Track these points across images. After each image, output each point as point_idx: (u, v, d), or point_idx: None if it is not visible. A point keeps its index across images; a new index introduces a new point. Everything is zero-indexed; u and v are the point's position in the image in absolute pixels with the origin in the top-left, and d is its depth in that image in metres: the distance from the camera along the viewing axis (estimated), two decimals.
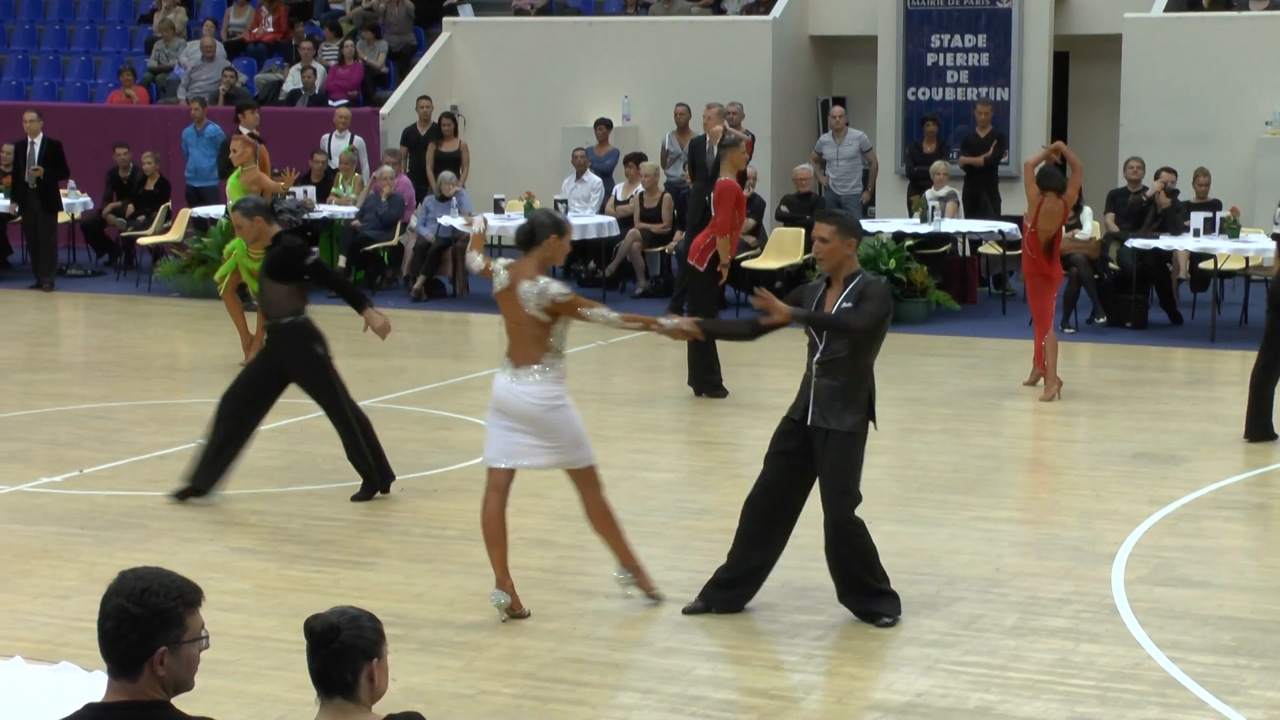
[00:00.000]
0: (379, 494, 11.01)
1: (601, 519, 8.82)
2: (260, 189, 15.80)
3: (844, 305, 8.29)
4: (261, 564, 9.61)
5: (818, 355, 8.32)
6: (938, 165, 20.42)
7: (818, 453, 8.33)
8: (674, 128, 22.18)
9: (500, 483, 8.66)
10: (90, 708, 4.21)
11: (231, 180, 16.09)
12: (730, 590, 8.67)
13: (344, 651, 4.35)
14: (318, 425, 13.33)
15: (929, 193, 19.97)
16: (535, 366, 8.49)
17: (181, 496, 10.85)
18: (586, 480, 8.74)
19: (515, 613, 8.61)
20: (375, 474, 11.02)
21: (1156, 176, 18.83)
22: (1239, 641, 8.28)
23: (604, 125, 22.78)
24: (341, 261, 20.58)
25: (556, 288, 8.47)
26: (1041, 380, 14.59)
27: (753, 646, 8.27)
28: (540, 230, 8.56)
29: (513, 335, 8.60)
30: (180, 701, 4.25)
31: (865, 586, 8.51)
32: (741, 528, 8.62)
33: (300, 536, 10.16)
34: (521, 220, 19.93)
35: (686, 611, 8.66)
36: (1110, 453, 12.44)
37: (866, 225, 19.94)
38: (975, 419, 13.74)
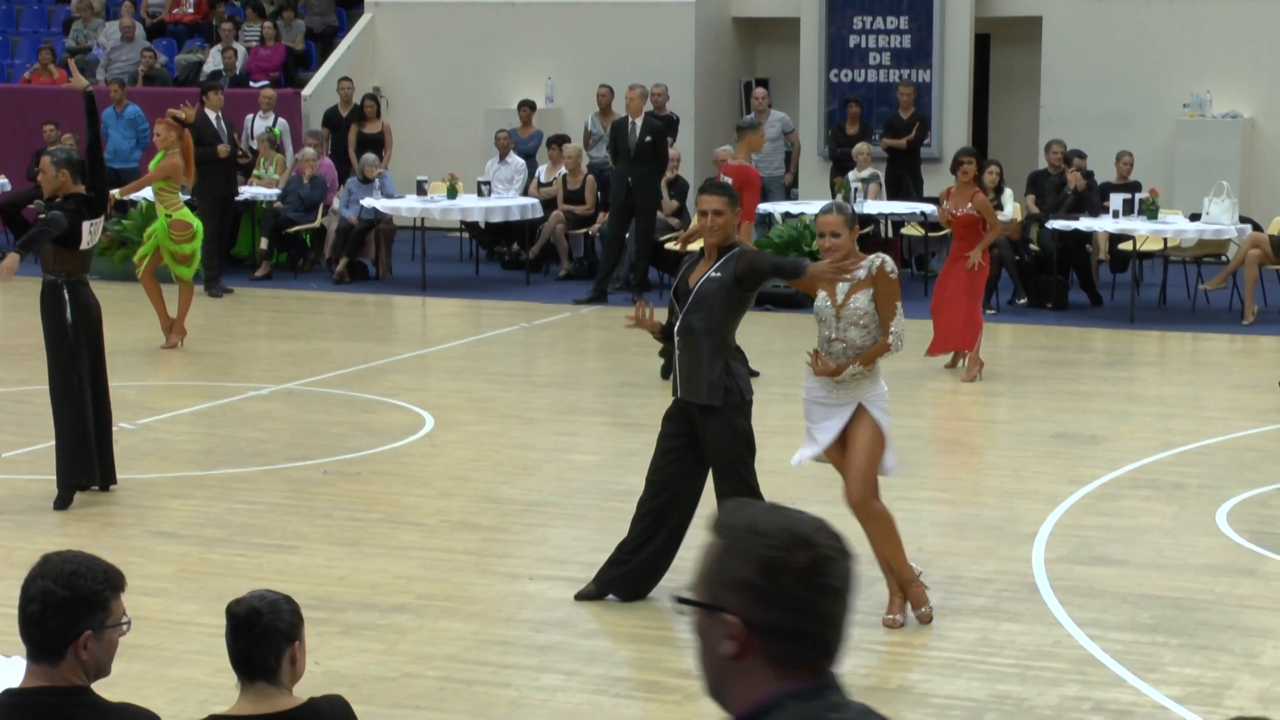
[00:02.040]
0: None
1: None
2: (178, 174, 15.64)
3: (713, 275, 8.29)
4: (183, 548, 9.56)
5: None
6: (860, 147, 20.50)
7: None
8: (597, 109, 22.15)
9: None
10: (8, 693, 4.18)
11: (153, 164, 15.96)
12: (633, 575, 8.64)
13: (267, 635, 4.34)
14: (239, 408, 13.27)
15: (851, 174, 20.04)
16: None
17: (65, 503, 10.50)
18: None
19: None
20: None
21: (1069, 162, 18.95)
22: (1157, 619, 8.37)
23: (527, 107, 22.73)
24: (263, 243, 20.46)
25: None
26: (963, 362, 14.69)
27: (676, 628, 8.29)
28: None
29: None
30: (100, 687, 4.22)
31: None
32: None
33: (222, 520, 10.11)
34: (447, 201, 19.88)
35: (579, 597, 8.61)
36: (1031, 433, 12.53)
37: (789, 207, 20.02)
38: (897, 400, 13.73)
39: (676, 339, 8.30)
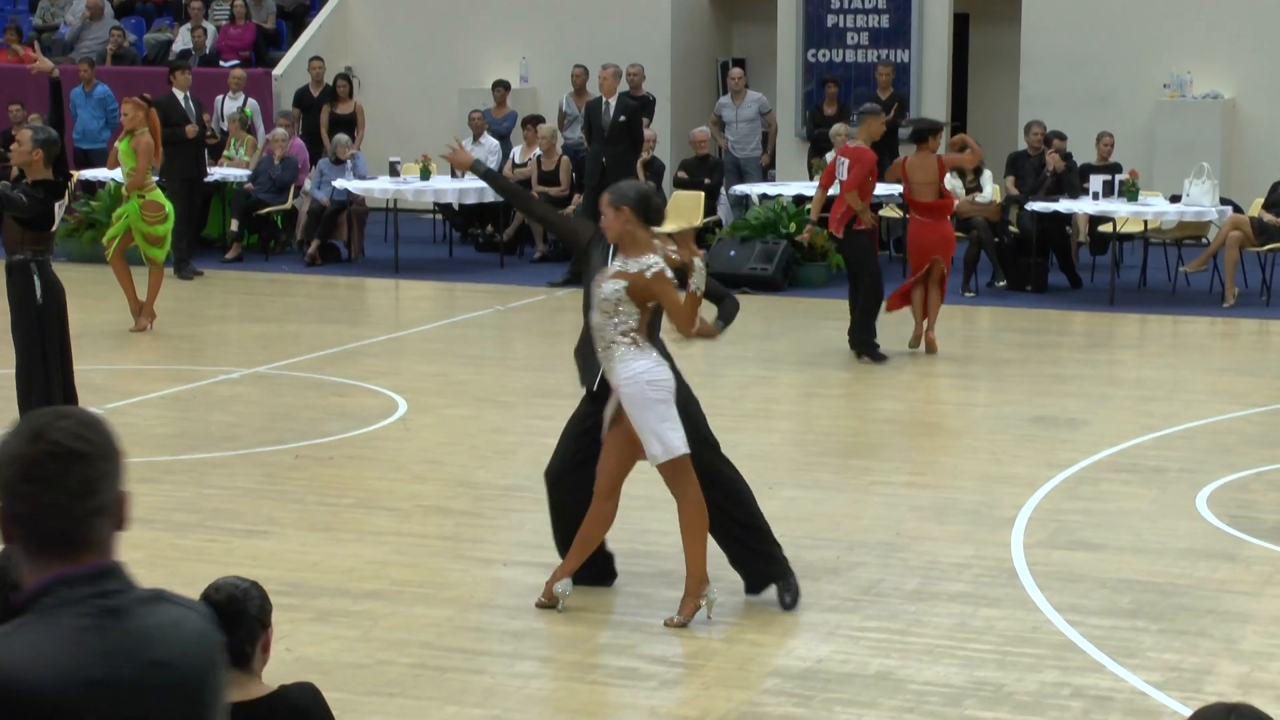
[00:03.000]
0: None
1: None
2: (152, 154, 15.60)
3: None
4: (153, 533, 9.54)
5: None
6: (838, 127, 20.41)
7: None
8: (572, 90, 22.13)
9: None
10: None
11: (122, 145, 15.89)
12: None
13: (243, 622, 4.34)
14: (209, 392, 13.25)
15: (829, 155, 20.02)
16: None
17: None
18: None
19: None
20: None
21: (1049, 144, 18.97)
22: (1137, 604, 8.39)
23: (501, 87, 22.70)
24: (234, 225, 20.41)
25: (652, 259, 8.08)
26: (922, 341, 14.79)
27: (652, 614, 8.29)
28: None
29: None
30: None
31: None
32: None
33: (192, 505, 10.09)
34: (420, 181, 19.82)
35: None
36: (1010, 416, 12.55)
37: (766, 189, 20.02)
38: (875, 383, 13.82)
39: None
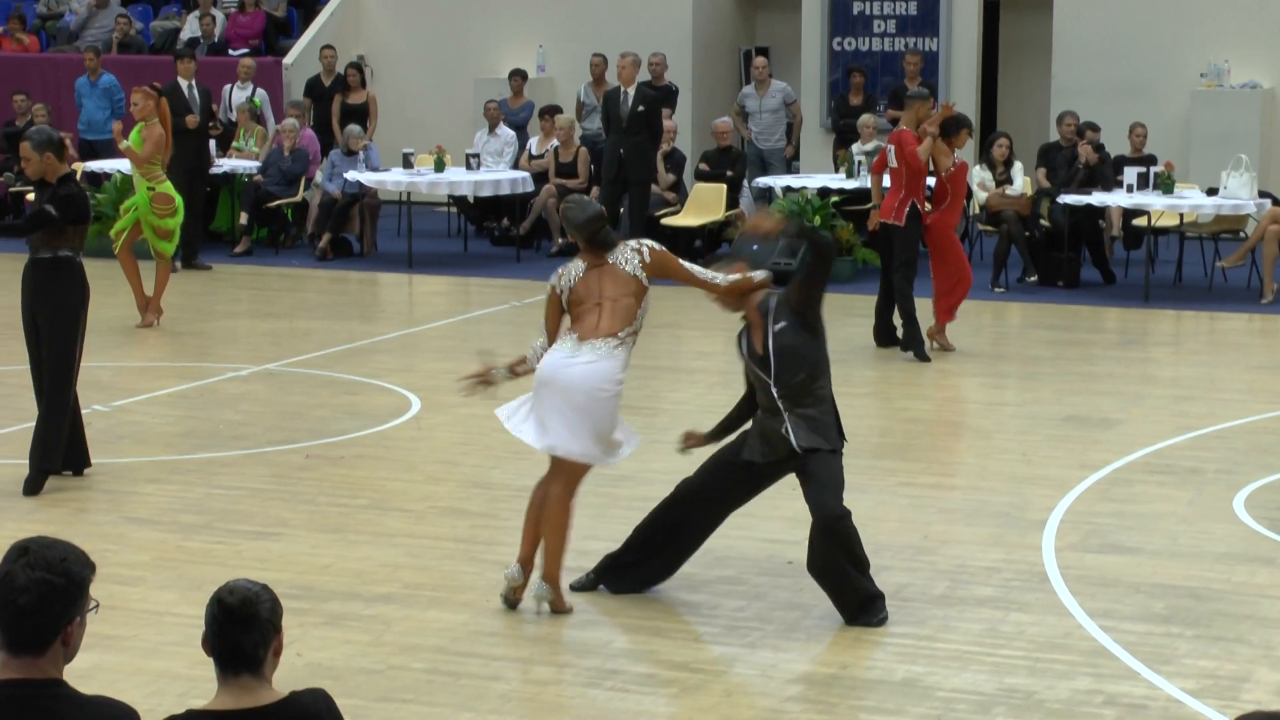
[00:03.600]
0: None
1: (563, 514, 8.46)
2: (162, 145, 15.62)
3: (780, 326, 8.30)
4: (160, 535, 9.56)
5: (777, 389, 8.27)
6: (865, 118, 20.47)
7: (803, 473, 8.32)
8: (590, 79, 22.13)
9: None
10: None
11: (133, 136, 15.92)
12: (630, 574, 8.66)
13: (255, 625, 4.34)
14: (218, 390, 13.27)
15: (855, 147, 20.02)
16: (608, 340, 8.18)
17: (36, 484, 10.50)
18: (576, 472, 8.42)
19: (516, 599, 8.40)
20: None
21: (1082, 135, 18.93)
22: (1171, 610, 8.38)
23: (518, 76, 22.71)
24: (243, 218, 20.44)
25: (650, 241, 8.44)
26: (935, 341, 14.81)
27: (672, 618, 8.30)
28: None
29: (591, 314, 8.26)
30: (75, 680, 4.23)
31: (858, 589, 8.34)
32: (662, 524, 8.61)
33: (200, 506, 10.11)
34: (433, 174, 19.86)
35: (574, 587, 8.61)
36: (1041, 416, 12.54)
37: (790, 181, 20.01)
38: (902, 382, 13.82)
39: (781, 399, 8.23)
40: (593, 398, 8.10)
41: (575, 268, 8.39)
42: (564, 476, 8.38)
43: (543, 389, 8.27)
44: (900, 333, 14.71)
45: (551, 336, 8.47)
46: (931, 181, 14.80)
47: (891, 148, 14.60)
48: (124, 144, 15.94)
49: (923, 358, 14.40)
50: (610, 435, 8.26)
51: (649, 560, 8.57)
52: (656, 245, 8.43)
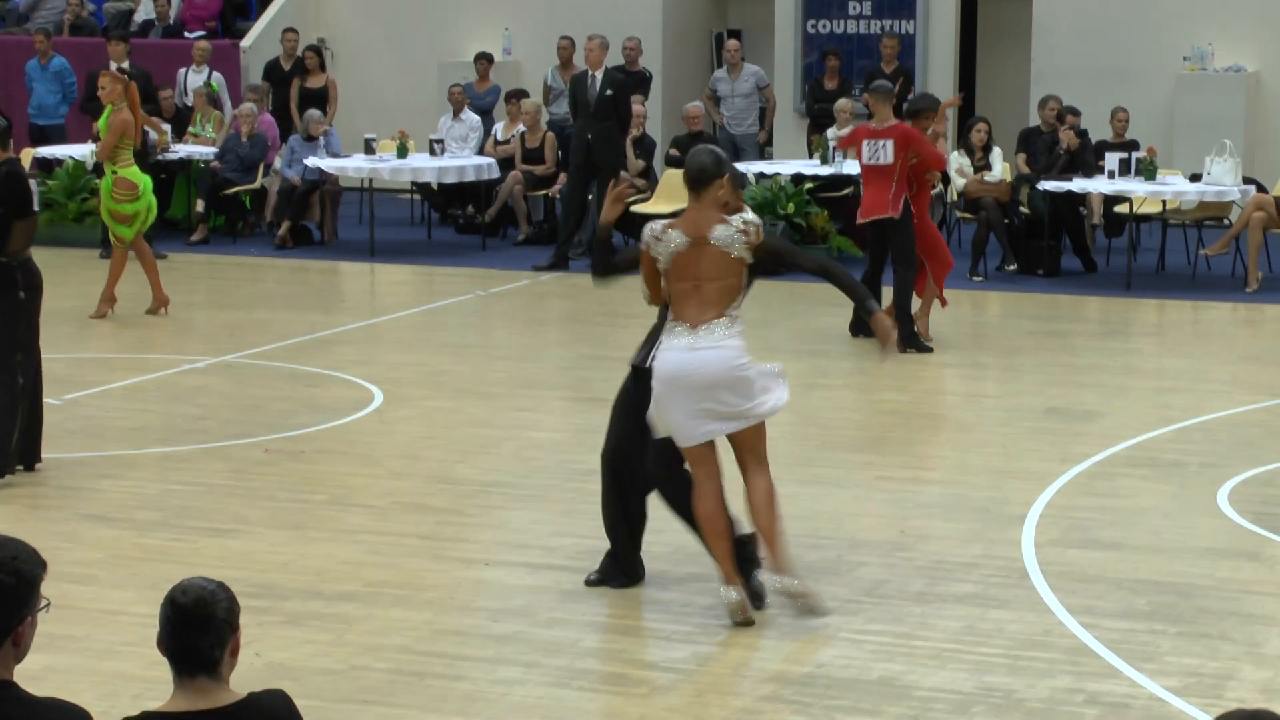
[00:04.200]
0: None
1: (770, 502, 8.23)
2: (130, 130, 15.55)
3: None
4: (114, 532, 9.54)
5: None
6: (841, 103, 20.46)
7: None
8: (557, 62, 22.11)
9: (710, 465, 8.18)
10: None
11: (101, 121, 15.89)
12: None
13: (212, 625, 4.33)
14: (174, 382, 13.25)
15: (830, 132, 20.02)
16: (723, 319, 8.00)
17: None
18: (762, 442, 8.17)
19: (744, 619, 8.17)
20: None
21: (1062, 120, 18.97)
22: (1154, 606, 8.41)
23: (484, 60, 22.68)
24: (200, 206, 20.38)
25: (753, 215, 8.10)
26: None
27: (643, 616, 8.30)
28: (714, 169, 8.05)
29: (693, 296, 7.99)
30: (27, 682, 4.22)
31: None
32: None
33: (156, 502, 10.09)
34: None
35: (589, 582, 8.64)
36: (1021, 408, 12.57)
37: (764, 168, 20.02)
38: (880, 374, 13.83)
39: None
40: (734, 374, 7.96)
41: (675, 238, 8.02)
42: (756, 459, 8.13)
43: (677, 387, 7.96)
44: (899, 332, 14.56)
45: (655, 295, 8.18)
46: None
47: (890, 143, 14.43)
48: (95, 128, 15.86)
49: (925, 348, 14.41)
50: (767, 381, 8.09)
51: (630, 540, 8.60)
52: (759, 221, 8.10)
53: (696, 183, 8.06)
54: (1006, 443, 11.58)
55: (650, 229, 8.09)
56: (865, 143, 14.60)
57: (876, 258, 14.85)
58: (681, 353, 7.95)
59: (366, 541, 9.37)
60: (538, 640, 7.98)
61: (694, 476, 8.13)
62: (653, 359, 8.11)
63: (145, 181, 15.78)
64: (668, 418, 8.03)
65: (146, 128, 16.44)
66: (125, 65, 17.31)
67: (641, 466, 8.42)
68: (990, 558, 9.13)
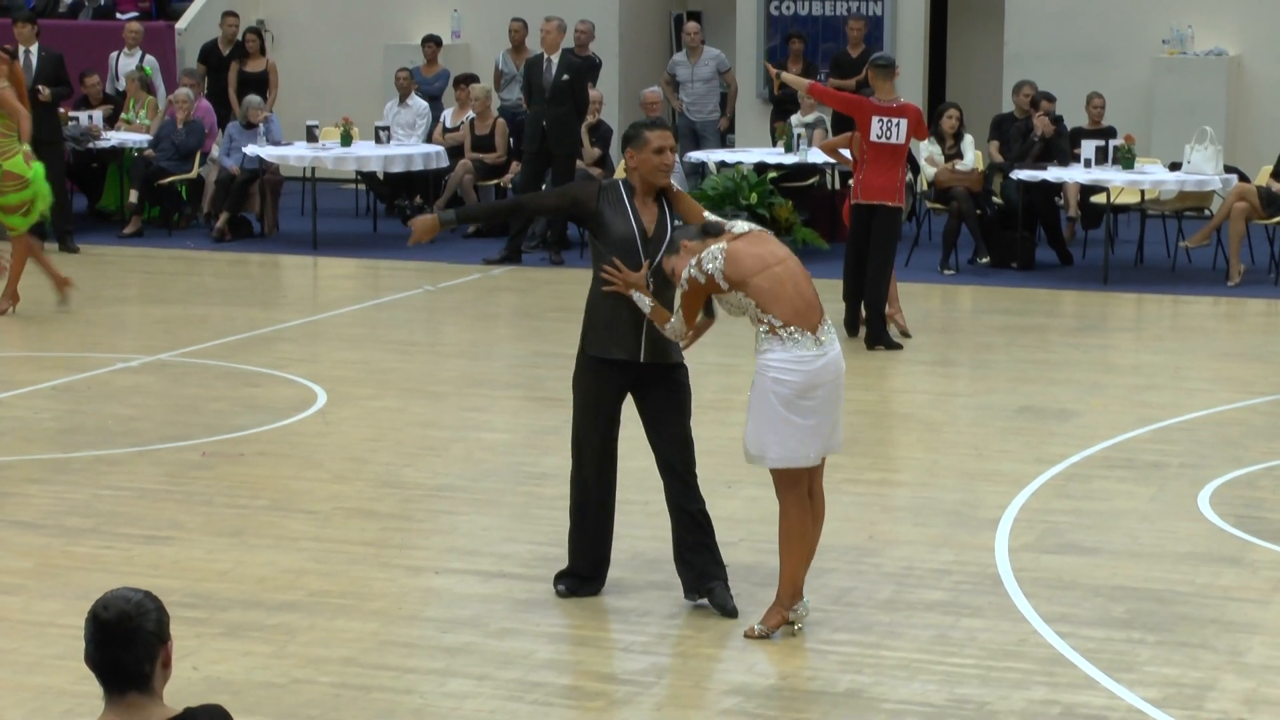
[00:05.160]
0: None
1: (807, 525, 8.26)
2: (11, 111, 15.40)
3: (676, 223, 8.37)
4: (43, 539, 9.50)
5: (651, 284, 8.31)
6: None
7: (649, 394, 8.39)
8: (509, 46, 22.10)
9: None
10: None
11: None
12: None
13: (138, 639, 4.31)
14: (106, 382, 13.19)
15: (794, 119, 20.07)
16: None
17: None
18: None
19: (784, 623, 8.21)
20: None
21: (1036, 106, 19.01)
22: (1133, 614, 8.44)
23: (432, 43, 22.65)
24: (133, 196, 20.31)
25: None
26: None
27: (599, 626, 8.30)
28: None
29: (804, 291, 8.10)
30: None
31: (718, 561, 8.50)
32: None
33: (87, 508, 10.05)
34: (340, 148, 19.77)
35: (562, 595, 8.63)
36: (993, 407, 12.60)
37: (725, 155, 20.04)
38: (846, 371, 13.82)
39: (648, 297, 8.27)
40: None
41: (716, 254, 8.01)
42: (818, 473, 8.27)
43: (823, 393, 8.07)
44: (868, 329, 14.52)
45: (691, 325, 8.23)
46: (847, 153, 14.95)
47: (904, 121, 14.34)
48: None
49: (896, 345, 14.41)
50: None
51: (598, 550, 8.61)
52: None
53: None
54: (978, 443, 11.61)
55: (690, 263, 8.04)
56: (875, 119, 14.37)
57: (862, 247, 14.61)
58: (827, 362, 8.12)
59: (309, 549, 9.35)
60: (490, 652, 7.97)
61: (800, 496, 8.14)
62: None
63: (35, 169, 15.57)
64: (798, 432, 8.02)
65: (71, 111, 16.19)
66: (33, 48, 17.10)
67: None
68: (962, 564, 9.15)
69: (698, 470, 8.47)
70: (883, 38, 22.49)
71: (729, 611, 8.30)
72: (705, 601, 8.39)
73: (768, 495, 10.17)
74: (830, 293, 16.37)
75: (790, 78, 15.88)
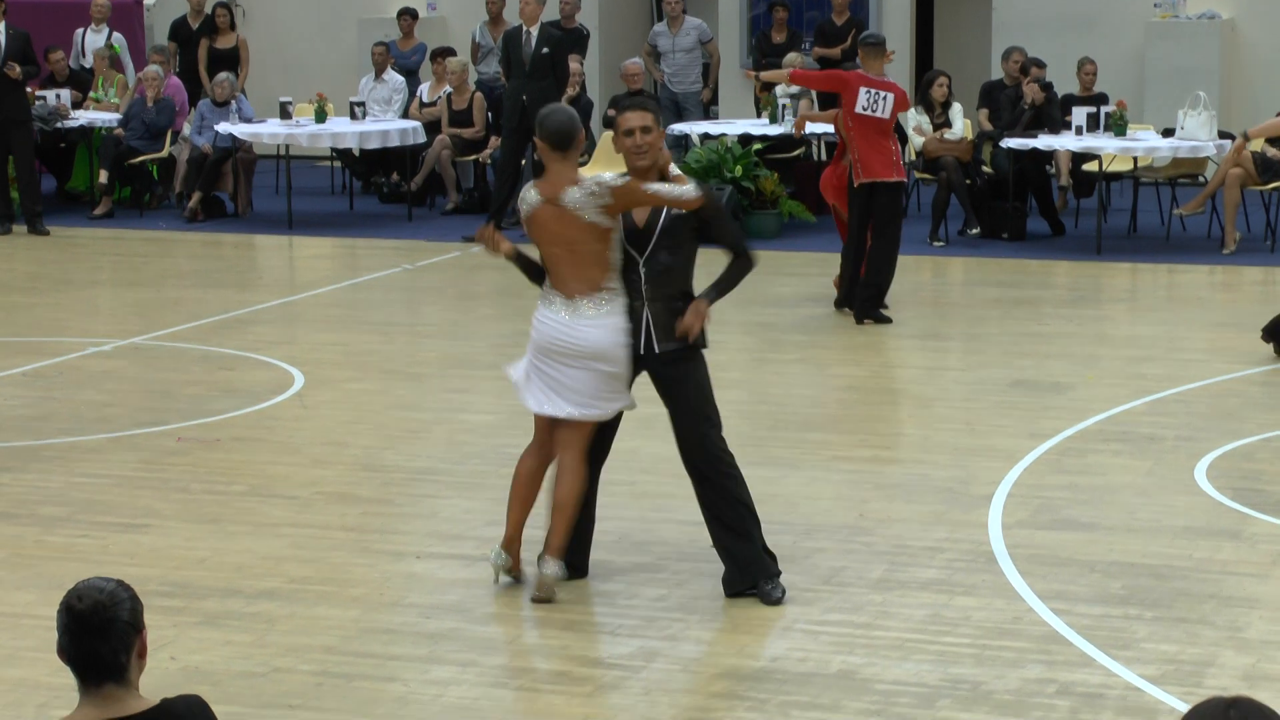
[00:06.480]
0: None
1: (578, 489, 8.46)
2: None
3: (672, 212, 8.32)
4: (16, 529, 9.50)
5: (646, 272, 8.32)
6: (790, 58, 20.48)
7: (664, 381, 8.36)
8: (486, 18, 22.07)
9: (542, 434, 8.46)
10: None
11: None
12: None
13: (112, 630, 4.31)
14: (78, 367, 13.18)
15: (779, 90, 20.06)
16: (600, 294, 8.19)
17: None
18: (585, 434, 8.41)
19: (514, 574, 8.53)
20: None
21: (1026, 72, 19.01)
22: (1130, 590, 8.46)
23: (408, 16, 22.62)
24: (103, 177, 20.27)
25: (610, 175, 8.20)
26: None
27: (585, 610, 8.31)
28: (574, 129, 8.19)
29: (563, 262, 8.22)
30: None
31: (754, 542, 8.47)
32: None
33: (61, 496, 10.05)
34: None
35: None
36: (986, 381, 12.62)
37: (708, 128, 20.03)
38: (835, 346, 13.87)
39: (646, 284, 8.27)
40: (608, 358, 8.19)
41: (531, 198, 8.31)
42: (574, 442, 8.36)
43: (547, 355, 8.27)
44: (858, 301, 14.49)
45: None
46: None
47: (891, 96, 14.33)
48: None
49: (886, 320, 14.41)
50: (620, 385, 8.32)
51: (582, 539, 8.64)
52: (618, 181, 8.16)
53: (556, 143, 8.21)
54: (971, 418, 11.63)
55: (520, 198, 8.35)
56: (863, 90, 14.36)
57: (864, 225, 14.58)
58: (559, 326, 8.21)
59: (288, 535, 9.35)
60: (473, 638, 7.98)
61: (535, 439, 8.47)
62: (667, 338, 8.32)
63: None
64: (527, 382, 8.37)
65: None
66: (0, 26, 17.02)
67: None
68: (955, 541, 9.16)
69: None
70: (868, 6, 22.48)
71: (772, 602, 8.30)
72: (695, 585, 8.40)
73: (758, 474, 10.21)
74: (818, 266, 16.43)
75: (770, 74, 16.05)
